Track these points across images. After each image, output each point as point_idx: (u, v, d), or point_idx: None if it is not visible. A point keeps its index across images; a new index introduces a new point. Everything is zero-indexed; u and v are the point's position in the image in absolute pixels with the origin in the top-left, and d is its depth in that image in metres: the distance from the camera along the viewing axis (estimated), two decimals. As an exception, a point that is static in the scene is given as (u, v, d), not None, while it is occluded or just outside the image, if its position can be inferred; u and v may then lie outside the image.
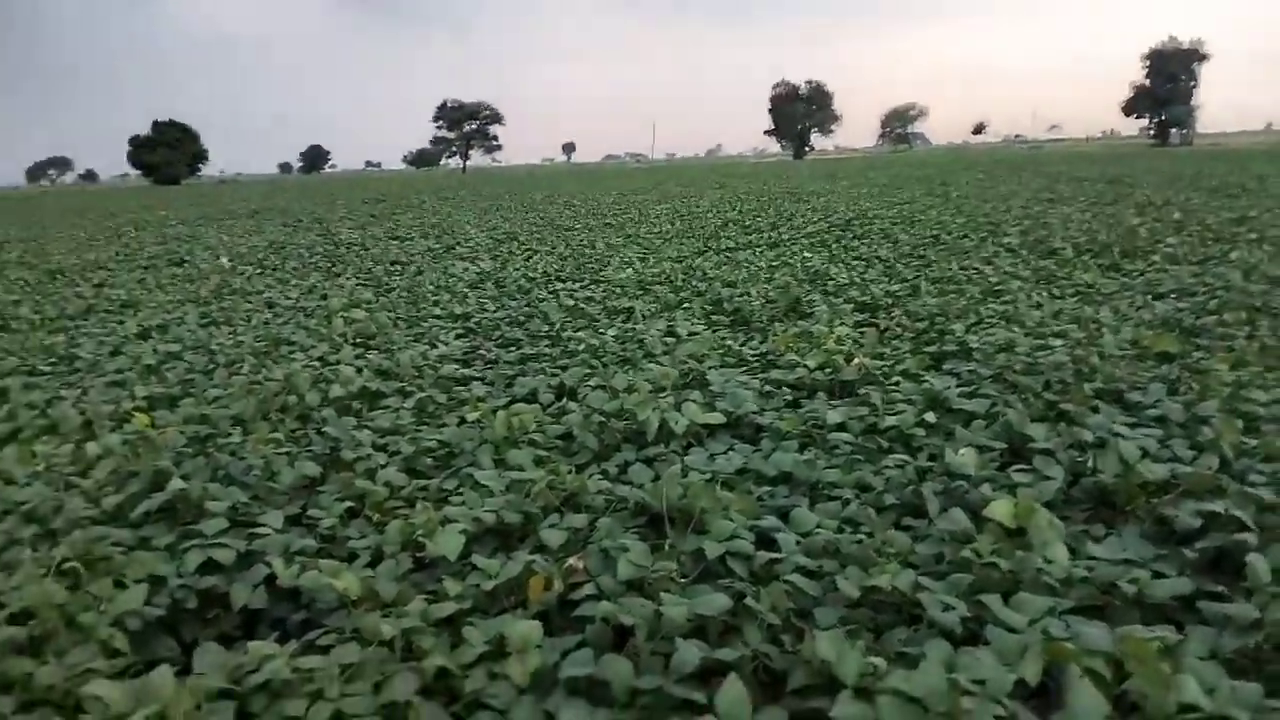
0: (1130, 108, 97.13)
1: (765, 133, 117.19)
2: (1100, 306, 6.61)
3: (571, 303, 7.92)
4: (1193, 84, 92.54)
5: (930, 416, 3.91)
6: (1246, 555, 2.47)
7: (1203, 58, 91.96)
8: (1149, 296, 7.05)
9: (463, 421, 4.37)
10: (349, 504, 3.38)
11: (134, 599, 2.62)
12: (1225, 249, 9.39)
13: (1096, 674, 2.00)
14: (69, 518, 3.25)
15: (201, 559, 2.86)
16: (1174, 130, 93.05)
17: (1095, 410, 3.92)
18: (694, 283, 8.80)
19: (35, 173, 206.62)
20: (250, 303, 9.08)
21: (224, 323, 7.94)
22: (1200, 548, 2.68)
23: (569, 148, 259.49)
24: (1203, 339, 5.48)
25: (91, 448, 4.04)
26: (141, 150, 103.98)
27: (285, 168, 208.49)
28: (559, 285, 9.22)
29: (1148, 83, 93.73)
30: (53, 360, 6.54)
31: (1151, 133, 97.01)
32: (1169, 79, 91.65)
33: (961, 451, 3.37)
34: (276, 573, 2.69)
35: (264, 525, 3.13)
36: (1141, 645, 1.96)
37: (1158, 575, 2.53)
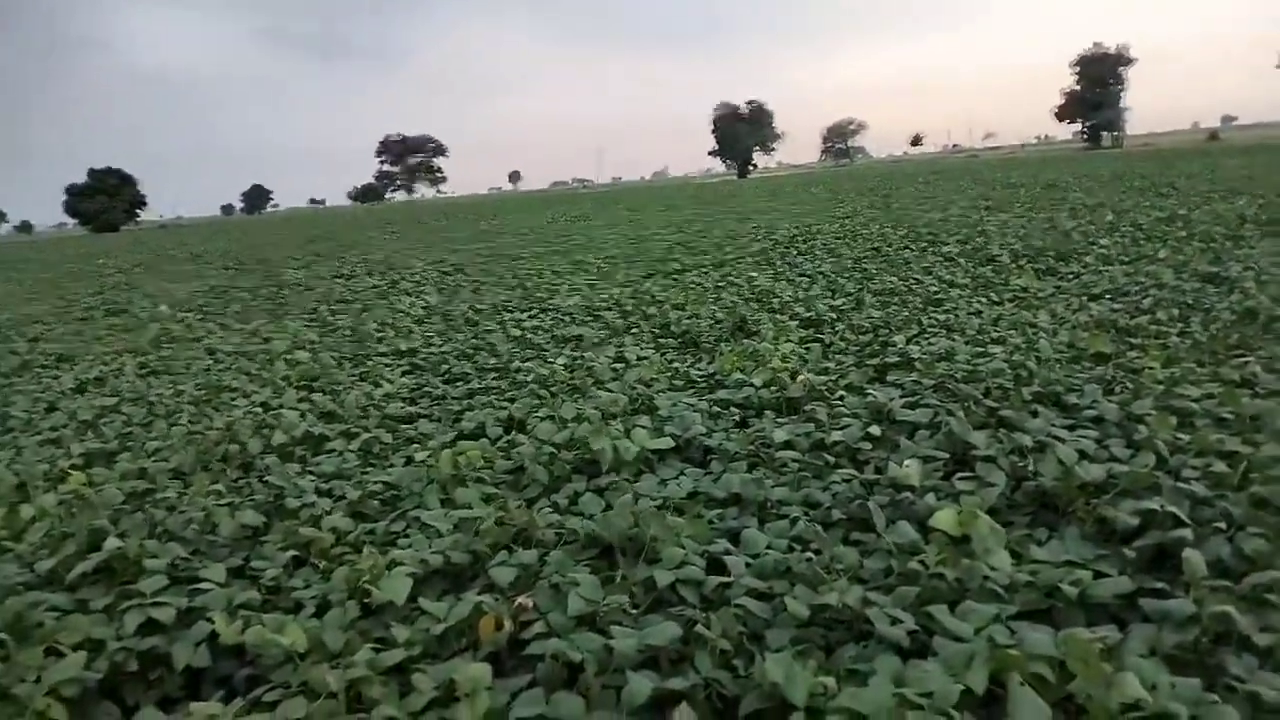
0: (1063, 113, 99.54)
1: (709, 153, 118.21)
2: (1037, 311, 6.74)
3: (519, 333, 7.90)
4: (1121, 88, 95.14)
5: (875, 430, 3.95)
6: (1183, 550, 2.53)
7: (1129, 62, 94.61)
8: (1084, 298, 7.20)
9: (409, 461, 4.32)
10: (294, 553, 3.32)
11: (71, 666, 2.53)
12: (1156, 247, 9.66)
13: (1041, 678, 2.02)
14: (1, 584, 3.15)
15: (141, 619, 2.78)
16: (1105, 133, 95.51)
17: (1034, 414, 3.99)
18: (642, 306, 8.81)
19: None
20: (191, 350, 8.92)
21: (163, 372, 7.78)
22: (1139, 546, 2.73)
23: (515, 176, 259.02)
24: (1136, 338, 5.61)
25: (25, 510, 3.92)
26: (78, 199, 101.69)
27: (227, 209, 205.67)
28: (507, 315, 9.18)
29: (1078, 88, 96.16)
30: (-15, 420, 6.36)
31: (1084, 136, 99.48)
32: (1098, 84, 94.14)
33: (906, 463, 3.41)
34: (218, 630, 2.62)
35: (205, 580, 3.05)
36: (1083, 646, 1.99)
37: (1100, 575, 2.57)
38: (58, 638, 2.69)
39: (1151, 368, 4.68)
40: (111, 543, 3.26)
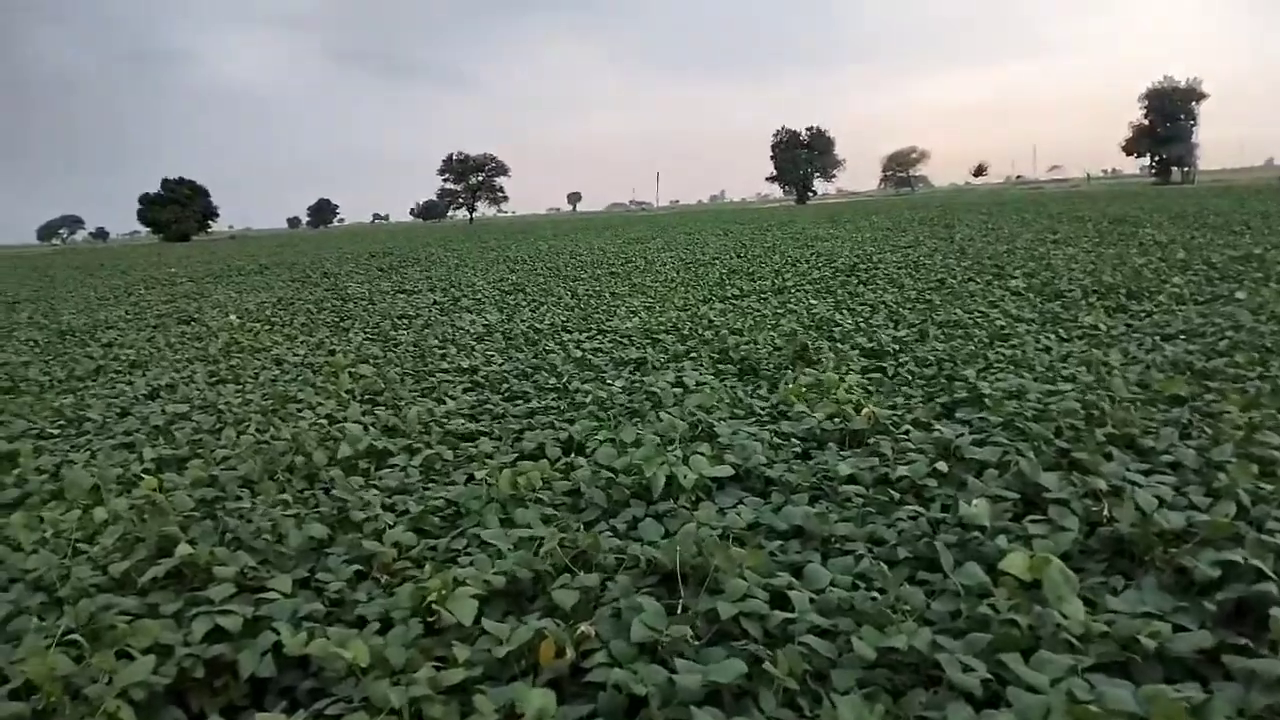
0: (1131, 147, 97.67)
1: (768, 179, 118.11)
2: (1109, 349, 6.59)
3: (579, 354, 7.93)
4: (1192, 122, 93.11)
5: (942, 466, 3.88)
6: (1268, 606, 2.43)
7: (1201, 96, 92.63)
8: (1157, 338, 7.02)
9: (470, 479, 4.35)
10: (357, 566, 3.35)
11: (141, 670, 2.58)
12: (1232, 288, 9.39)
13: (1122, 736, 1.95)
14: (76, 586, 3.23)
15: (209, 626, 2.82)
16: (1175, 168, 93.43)
17: (1108, 457, 3.88)
18: (701, 331, 8.80)
19: (46, 232, 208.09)
20: (258, 360, 9.11)
21: (232, 381, 7.95)
22: (1220, 599, 2.63)
23: (574, 197, 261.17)
24: (1214, 381, 5.44)
25: (99, 513, 4.02)
26: (151, 208, 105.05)
27: (294, 222, 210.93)
28: (566, 336, 9.24)
29: (1147, 122, 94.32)
30: (61, 422, 6.56)
31: (1153, 171, 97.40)
32: (1168, 118, 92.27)
33: (975, 503, 3.34)
34: (284, 642, 2.65)
35: (272, 589, 3.10)
36: (1170, 706, 1.92)
37: (1179, 628, 2.48)
38: (129, 641, 2.74)
39: (1230, 412, 4.53)
40: (182, 549, 3.33)
